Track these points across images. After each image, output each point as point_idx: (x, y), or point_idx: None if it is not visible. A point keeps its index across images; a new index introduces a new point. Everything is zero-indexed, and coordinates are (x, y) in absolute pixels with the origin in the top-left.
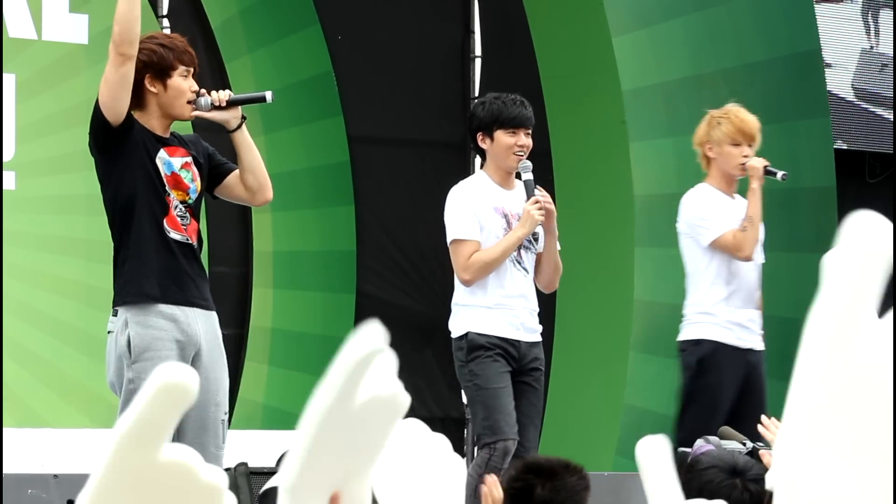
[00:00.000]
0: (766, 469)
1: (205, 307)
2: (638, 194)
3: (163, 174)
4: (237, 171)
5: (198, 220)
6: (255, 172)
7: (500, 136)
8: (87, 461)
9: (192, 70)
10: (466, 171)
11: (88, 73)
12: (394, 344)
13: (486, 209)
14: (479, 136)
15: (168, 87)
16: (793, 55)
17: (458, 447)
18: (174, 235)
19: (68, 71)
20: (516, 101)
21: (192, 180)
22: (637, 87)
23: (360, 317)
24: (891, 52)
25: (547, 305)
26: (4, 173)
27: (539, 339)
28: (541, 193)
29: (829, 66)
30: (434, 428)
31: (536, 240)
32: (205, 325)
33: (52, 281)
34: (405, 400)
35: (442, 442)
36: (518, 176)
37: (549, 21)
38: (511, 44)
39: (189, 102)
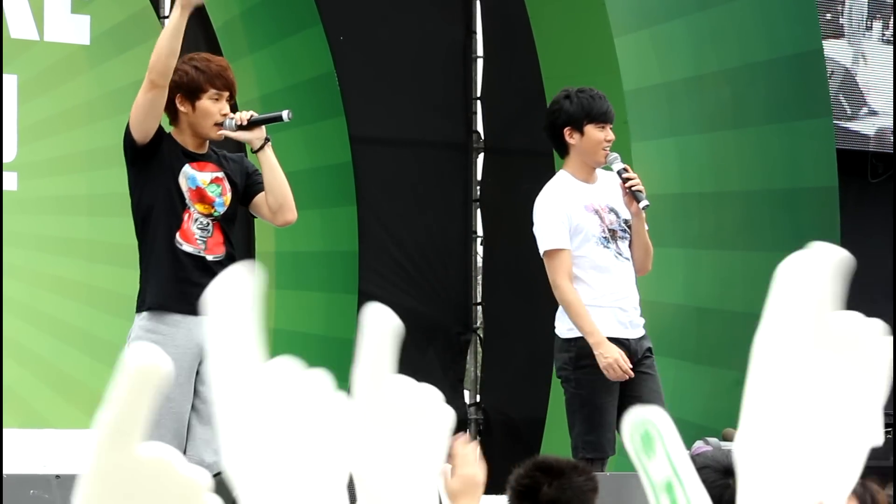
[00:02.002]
0: None
1: None
2: None
3: (184, 189)
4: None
5: (226, 234)
6: (275, 193)
7: (591, 130)
8: (88, 462)
9: (226, 94)
10: (468, 171)
11: (90, 74)
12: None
13: (579, 209)
14: (567, 131)
15: (196, 108)
16: (795, 55)
17: None
18: (185, 248)
19: (70, 72)
20: (600, 95)
21: (221, 195)
22: (639, 87)
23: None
24: None
25: (549, 307)
26: (6, 174)
27: (644, 331)
28: (630, 174)
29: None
30: None
31: (629, 226)
32: None
33: (54, 281)
34: (449, 413)
35: (430, 393)
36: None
37: (550, 21)
38: (513, 44)
39: (217, 124)
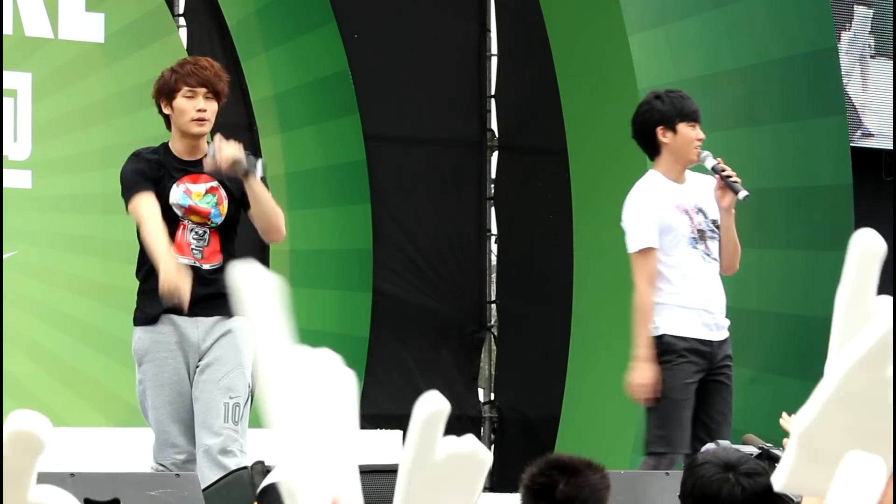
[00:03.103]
0: (760, 464)
1: (209, 314)
2: None
3: (176, 209)
4: None
5: (225, 240)
6: (258, 220)
7: (683, 128)
8: (103, 460)
9: (201, 90)
10: (483, 169)
11: (104, 72)
12: (410, 341)
13: (670, 209)
14: (660, 130)
15: (174, 108)
16: (809, 53)
17: None
18: (180, 260)
19: (84, 70)
20: (688, 95)
21: (217, 204)
22: (653, 85)
23: (376, 315)
24: None
25: (563, 305)
26: (21, 172)
27: (727, 334)
28: (726, 170)
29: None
30: (450, 426)
31: (718, 226)
32: (209, 327)
33: (69, 279)
34: (486, 456)
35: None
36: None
37: (565, 19)
38: (527, 42)
39: (197, 122)
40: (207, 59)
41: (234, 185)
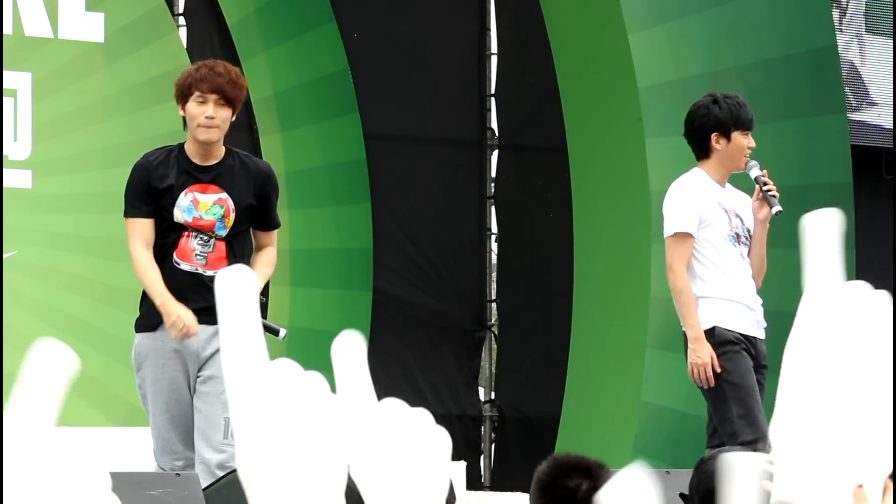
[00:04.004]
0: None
1: (210, 323)
2: (654, 191)
3: (180, 220)
4: (264, 232)
5: (231, 247)
6: None
7: (737, 136)
8: (104, 460)
9: (212, 97)
10: (483, 168)
11: (104, 72)
12: (411, 341)
13: (711, 204)
14: (715, 136)
15: (186, 111)
16: (809, 51)
17: (475, 444)
18: (184, 266)
19: (84, 69)
20: (744, 102)
21: (223, 217)
22: (653, 83)
23: (377, 314)
24: None
25: (564, 304)
26: (21, 172)
27: (765, 335)
28: (767, 179)
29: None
30: (451, 425)
31: (750, 235)
32: (210, 336)
33: (69, 279)
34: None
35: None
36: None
37: (565, 18)
38: (527, 41)
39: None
40: (225, 65)
41: (246, 194)
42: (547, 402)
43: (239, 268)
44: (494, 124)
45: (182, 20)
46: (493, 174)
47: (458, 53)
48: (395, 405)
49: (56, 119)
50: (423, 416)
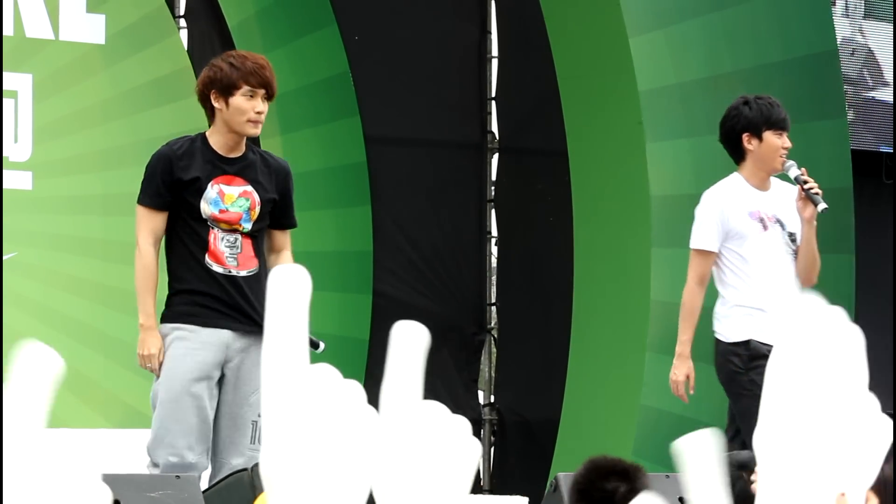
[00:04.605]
0: None
1: (248, 333)
2: (654, 195)
3: (206, 214)
4: (282, 232)
5: (256, 246)
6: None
7: (769, 136)
8: (103, 461)
9: (261, 91)
10: (483, 171)
11: (105, 74)
12: None
13: (740, 214)
14: (746, 137)
15: (230, 105)
16: (810, 56)
17: None
18: (216, 269)
19: (85, 71)
20: (777, 103)
21: (249, 209)
22: (654, 87)
23: (376, 317)
24: None
25: (564, 307)
26: (21, 174)
27: None
28: (807, 178)
29: None
30: None
31: (794, 240)
32: (245, 342)
33: (69, 281)
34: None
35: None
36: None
37: (565, 21)
38: (528, 44)
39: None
40: (263, 58)
41: (271, 190)
42: (546, 405)
43: (295, 268)
44: (495, 127)
45: (183, 22)
46: (494, 177)
47: (459, 56)
48: (437, 409)
49: (57, 121)
50: (462, 424)
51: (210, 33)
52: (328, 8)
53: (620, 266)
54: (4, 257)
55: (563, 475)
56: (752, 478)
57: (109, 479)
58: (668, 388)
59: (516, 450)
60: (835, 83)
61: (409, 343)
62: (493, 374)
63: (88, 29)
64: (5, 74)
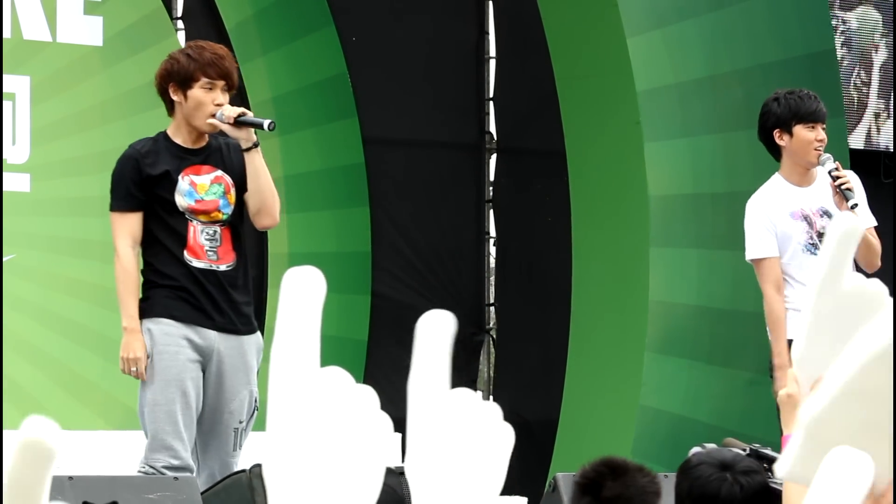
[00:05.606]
0: (755, 463)
1: (232, 332)
2: (653, 195)
3: (183, 207)
4: None
5: (234, 237)
6: (255, 197)
7: (800, 130)
8: (102, 463)
9: (220, 83)
10: (481, 172)
11: (103, 76)
12: (409, 344)
13: (784, 217)
14: (777, 133)
15: (188, 98)
16: (807, 55)
17: None
18: (196, 264)
19: (83, 73)
20: (810, 95)
21: (225, 194)
22: (652, 87)
23: (375, 318)
24: None
25: (562, 308)
26: (19, 176)
27: None
28: (840, 173)
29: None
30: None
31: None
32: (226, 343)
33: (67, 283)
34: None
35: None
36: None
37: (563, 22)
38: (525, 45)
39: (211, 115)
40: (221, 47)
41: (237, 169)
42: (545, 405)
43: (310, 269)
44: (493, 128)
45: (180, 24)
46: (492, 178)
47: (457, 57)
48: (468, 395)
49: (54, 123)
50: (494, 410)
51: (208, 35)
52: (326, 9)
53: (619, 266)
54: (4, 259)
55: (562, 475)
56: (740, 478)
57: (108, 481)
58: (666, 387)
59: (515, 450)
60: (833, 83)
61: (436, 331)
62: (491, 375)
63: (86, 31)
64: (3, 76)
